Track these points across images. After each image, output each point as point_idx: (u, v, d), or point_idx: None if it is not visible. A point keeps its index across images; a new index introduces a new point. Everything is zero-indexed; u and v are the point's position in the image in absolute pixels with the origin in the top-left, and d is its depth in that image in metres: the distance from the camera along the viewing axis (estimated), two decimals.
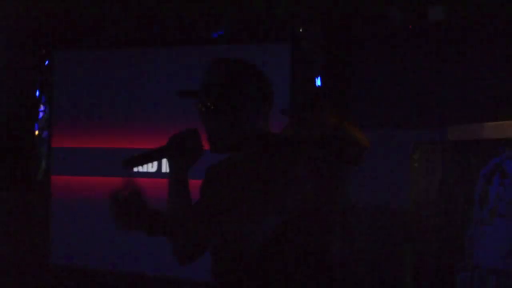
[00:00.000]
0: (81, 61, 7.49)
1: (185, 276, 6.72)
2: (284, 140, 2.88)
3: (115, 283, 7.21)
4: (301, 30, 6.53)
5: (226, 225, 2.61)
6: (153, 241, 6.83)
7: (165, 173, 6.91)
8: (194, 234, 2.74)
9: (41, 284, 7.40)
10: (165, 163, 7.04)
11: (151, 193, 6.31)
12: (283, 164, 2.64)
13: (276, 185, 2.60)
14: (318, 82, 6.44)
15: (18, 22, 7.62)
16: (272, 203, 2.59)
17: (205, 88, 2.70)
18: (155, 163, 7.08)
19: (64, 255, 7.39)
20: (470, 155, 4.72)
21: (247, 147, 2.76)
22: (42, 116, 7.57)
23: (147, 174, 7.05)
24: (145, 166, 7.00)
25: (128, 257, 7.06)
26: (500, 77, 5.84)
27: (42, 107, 7.62)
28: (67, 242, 7.40)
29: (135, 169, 6.68)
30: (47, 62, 7.60)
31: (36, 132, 7.56)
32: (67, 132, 7.49)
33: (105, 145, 7.31)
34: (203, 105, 2.72)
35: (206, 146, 2.72)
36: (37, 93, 7.65)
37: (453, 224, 4.84)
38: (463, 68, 6.02)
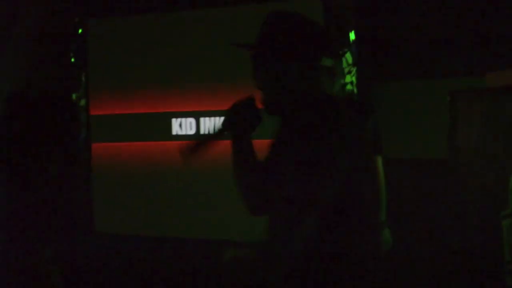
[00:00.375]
0: (114, 28, 7.50)
1: (224, 238, 6.75)
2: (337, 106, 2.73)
3: (156, 248, 7.29)
4: None
5: (295, 183, 2.53)
6: (192, 206, 6.55)
7: (203, 135, 7.01)
8: (256, 193, 2.83)
9: (86, 251, 7.40)
10: (203, 125, 7.05)
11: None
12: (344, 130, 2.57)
13: (338, 148, 2.51)
14: (352, 36, 6.35)
15: None
16: (336, 164, 2.51)
17: (261, 40, 2.63)
18: (193, 125, 7.05)
19: (106, 222, 7.51)
20: (508, 101, 4.80)
21: (304, 105, 2.67)
22: (79, 84, 7.54)
23: (185, 137, 7.01)
24: (184, 127, 7.13)
25: (168, 222, 7.18)
26: None
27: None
28: (109, 209, 7.52)
29: (175, 132, 6.76)
30: (80, 30, 7.64)
31: (73, 100, 7.55)
32: (104, 100, 7.53)
33: (142, 111, 7.32)
34: (261, 55, 2.66)
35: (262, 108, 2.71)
36: (72, 61, 7.72)
37: (495, 171, 4.84)
38: (499, 15, 5.93)
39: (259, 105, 2.71)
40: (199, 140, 2.84)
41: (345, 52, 6.02)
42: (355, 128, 2.73)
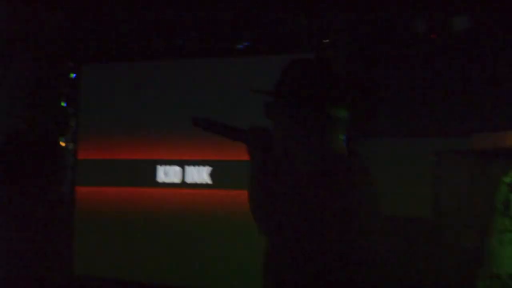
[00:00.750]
0: (106, 74, 7.60)
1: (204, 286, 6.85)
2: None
3: None
4: (326, 41, 6.51)
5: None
6: (174, 254, 6.52)
7: (190, 183, 7.10)
8: (266, 220, 2.75)
9: None
10: (189, 174, 7.07)
11: (176, 203, 6.68)
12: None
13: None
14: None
15: (46, 36, 7.66)
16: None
17: (280, 87, 2.64)
18: (179, 174, 7.05)
19: (87, 265, 7.47)
20: (494, 163, 4.79)
21: (315, 169, 2.61)
22: (68, 129, 7.52)
23: (171, 185, 7.10)
24: (169, 175, 7.14)
25: (149, 267, 7.10)
26: None
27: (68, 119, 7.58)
28: (90, 251, 7.50)
29: (160, 179, 6.73)
30: (74, 75, 7.73)
31: (63, 144, 7.52)
32: (92, 145, 7.60)
33: (128, 157, 7.37)
34: (275, 103, 2.68)
35: None
36: (65, 105, 7.73)
37: (476, 232, 4.82)
38: (486, 77, 5.93)
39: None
40: (216, 123, 2.83)
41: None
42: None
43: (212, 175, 7.13)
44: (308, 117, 2.54)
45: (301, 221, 2.55)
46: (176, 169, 7.17)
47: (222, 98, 7.00)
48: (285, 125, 2.62)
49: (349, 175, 2.56)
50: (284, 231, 2.65)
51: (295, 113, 2.58)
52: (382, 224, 3.28)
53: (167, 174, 7.22)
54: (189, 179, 7.13)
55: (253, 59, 6.99)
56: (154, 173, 7.30)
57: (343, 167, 2.56)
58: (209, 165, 7.14)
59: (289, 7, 6.84)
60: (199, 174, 7.11)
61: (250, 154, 2.79)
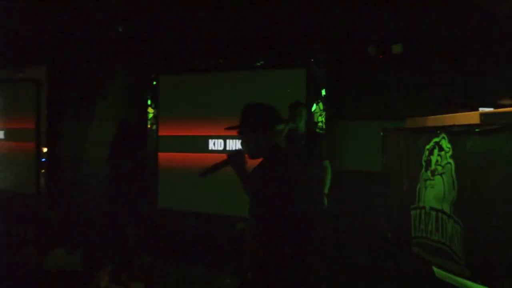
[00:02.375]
0: (176, 80, 8.32)
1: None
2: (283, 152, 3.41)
3: (198, 219, 7.88)
4: (312, 60, 7.15)
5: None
6: (221, 192, 7.27)
7: (229, 150, 7.60)
8: None
9: (151, 220, 8.15)
10: (228, 144, 7.78)
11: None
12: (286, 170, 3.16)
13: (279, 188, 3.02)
14: (323, 92, 7.06)
15: (135, 56, 8.42)
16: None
17: (240, 123, 3.34)
18: (222, 145, 7.80)
19: (166, 201, 8.21)
20: (419, 136, 4.83)
21: (265, 156, 3.23)
22: (152, 116, 8.42)
23: (217, 151, 7.81)
24: (216, 145, 7.86)
25: (205, 201, 7.79)
26: (436, 89, 6.35)
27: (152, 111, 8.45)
28: (167, 192, 8.19)
29: (210, 148, 7.71)
30: (154, 82, 8.50)
31: (148, 126, 8.51)
32: (167, 126, 8.34)
33: (191, 134, 8.06)
34: (240, 132, 3.34)
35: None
36: (149, 102, 8.50)
37: (410, 181, 4.95)
38: (413, 82, 6.59)
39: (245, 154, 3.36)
40: (211, 167, 3.44)
41: (303, 106, 5.99)
42: (296, 166, 3.34)
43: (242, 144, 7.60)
44: (259, 136, 3.20)
45: (259, 203, 3.07)
46: (220, 141, 7.87)
47: (247, 97, 6.88)
48: (248, 141, 3.27)
49: (285, 163, 3.22)
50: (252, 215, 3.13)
51: (252, 136, 3.23)
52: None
53: (215, 144, 7.91)
54: (228, 147, 7.80)
55: (266, 72, 7.59)
56: (207, 144, 7.95)
57: (284, 158, 3.24)
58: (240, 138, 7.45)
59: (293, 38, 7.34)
60: (235, 144, 7.75)
61: (234, 170, 3.40)
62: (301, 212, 3.09)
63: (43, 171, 9.39)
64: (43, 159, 9.40)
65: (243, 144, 3.37)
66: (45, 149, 9.35)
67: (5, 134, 9.87)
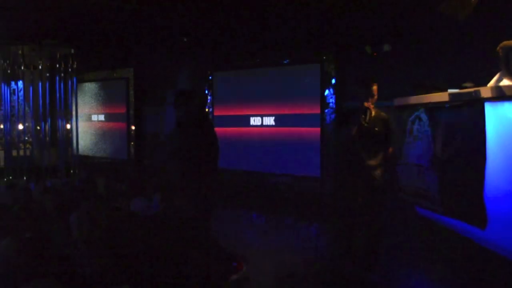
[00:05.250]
0: (227, 75, 8.26)
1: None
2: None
3: (251, 177, 7.74)
4: (324, 57, 7.13)
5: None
6: (260, 154, 7.42)
7: (265, 125, 7.67)
8: None
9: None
10: (265, 120, 7.65)
11: (259, 133, 7.30)
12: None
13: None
14: (333, 81, 7.01)
15: (196, 58, 8.41)
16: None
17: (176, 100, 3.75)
18: (260, 121, 7.66)
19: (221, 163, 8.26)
20: (404, 111, 4.71)
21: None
22: (210, 101, 8.41)
23: (256, 126, 7.75)
24: (256, 122, 7.76)
25: (249, 162, 7.79)
26: (415, 75, 5.99)
27: (209, 98, 8.39)
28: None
29: (251, 123, 7.62)
30: (210, 77, 8.52)
31: (207, 109, 8.34)
32: (220, 109, 8.29)
33: (237, 113, 8.02)
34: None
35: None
36: (206, 91, 8.51)
37: (397, 144, 4.65)
38: (398, 71, 6.32)
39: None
40: None
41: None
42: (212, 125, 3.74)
43: (274, 120, 7.65)
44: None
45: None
46: (258, 118, 7.81)
47: (277, 86, 7.62)
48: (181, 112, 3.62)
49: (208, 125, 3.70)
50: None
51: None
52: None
53: (255, 121, 7.87)
54: (265, 123, 7.76)
55: (291, 67, 7.51)
56: (248, 120, 7.92)
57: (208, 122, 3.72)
58: (272, 116, 7.67)
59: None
60: (269, 120, 7.70)
61: None
62: None
63: (132, 143, 9.52)
64: (132, 134, 9.55)
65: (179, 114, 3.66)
66: (133, 127, 9.52)
67: (105, 117, 10.05)
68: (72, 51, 8.35)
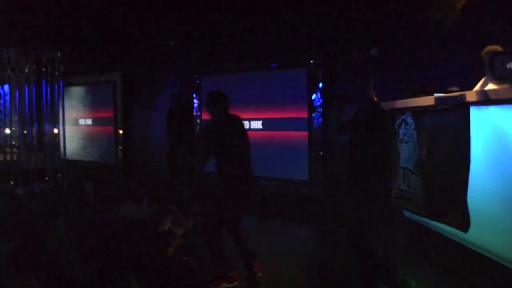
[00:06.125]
0: (213, 80, 8.12)
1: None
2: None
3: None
4: (311, 61, 7.07)
5: None
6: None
7: (254, 129, 7.53)
8: None
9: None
10: (252, 125, 7.54)
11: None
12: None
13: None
14: (320, 85, 7.03)
15: (184, 62, 8.38)
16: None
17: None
18: (247, 125, 7.51)
19: (210, 167, 7.73)
20: (392, 114, 4.26)
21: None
22: (197, 106, 8.36)
23: (256, 130, 7.61)
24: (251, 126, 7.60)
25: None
26: (402, 80, 6.05)
27: (196, 102, 8.31)
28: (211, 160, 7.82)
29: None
30: (198, 81, 8.43)
31: (194, 113, 8.37)
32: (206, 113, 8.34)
33: None
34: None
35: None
36: (194, 95, 8.36)
37: None
38: (385, 75, 6.08)
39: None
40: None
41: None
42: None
43: (262, 124, 7.58)
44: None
45: None
46: (246, 122, 7.47)
47: (265, 90, 7.57)
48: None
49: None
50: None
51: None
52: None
53: (251, 125, 7.64)
54: (253, 127, 7.61)
55: (278, 71, 7.46)
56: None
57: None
58: (260, 119, 7.60)
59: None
60: (257, 124, 7.61)
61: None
62: None
63: (120, 147, 9.47)
64: (120, 138, 9.50)
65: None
66: (121, 131, 9.46)
67: (92, 121, 9.98)
68: (59, 54, 8.30)
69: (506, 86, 3.13)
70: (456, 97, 3.51)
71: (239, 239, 3.99)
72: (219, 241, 3.87)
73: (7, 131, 8.19)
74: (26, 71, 8.09)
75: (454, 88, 3.85)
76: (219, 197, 3.93)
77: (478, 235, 3.49)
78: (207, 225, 3.91)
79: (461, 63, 5.24)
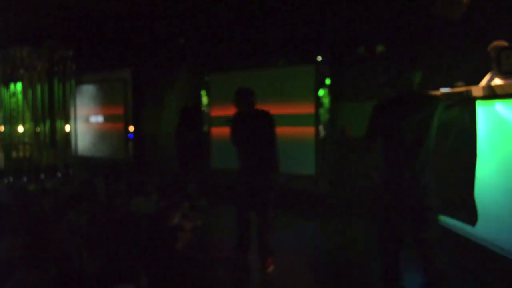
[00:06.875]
0: (220, 77, 8.22)
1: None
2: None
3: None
4: (318, 58, 7.09)
5: None
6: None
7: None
8: None
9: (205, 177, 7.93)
10: None
11: None
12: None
13: None
14: (328, 81, 7.03)
15: (194, 60, 8.38)
16: None
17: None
18: None
19: (217, 162, 8.12)
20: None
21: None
22: (206, 103, 8.34)
23: None
24: None
25: None
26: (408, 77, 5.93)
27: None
28: (219, 155, 8.12)
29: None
30: (207, 78, 8.43)
31: (203, 109, 8.38)
32: (217, 109, 8.23)
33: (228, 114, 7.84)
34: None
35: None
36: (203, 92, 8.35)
37: None
38: (390, 72, 6.13)
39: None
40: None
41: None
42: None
43: None
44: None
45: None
46: None
47: (273, 87, 7.55)
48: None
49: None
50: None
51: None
52: None
53: None
54: None
55: (286, 68, 7.50)
56: None
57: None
58: None
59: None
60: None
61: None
62: None
63: (130, 143, 9.53)
64: (130, 135, 9.52)
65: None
66: (131, 128, 9.50)
67: (103, 118, 10.02)
68: (71, 53, 8.36)
69: None
70: (462, 92, 3.49)
71: (261, 232, 4.17)
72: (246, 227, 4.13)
73: (20, 128, 8.26)
74: (39, 69, 8.16)
75: (460, 84, 3.78)
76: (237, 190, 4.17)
77: (485, 229, 3.46)
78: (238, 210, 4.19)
79: (467, 57, 5.20)
